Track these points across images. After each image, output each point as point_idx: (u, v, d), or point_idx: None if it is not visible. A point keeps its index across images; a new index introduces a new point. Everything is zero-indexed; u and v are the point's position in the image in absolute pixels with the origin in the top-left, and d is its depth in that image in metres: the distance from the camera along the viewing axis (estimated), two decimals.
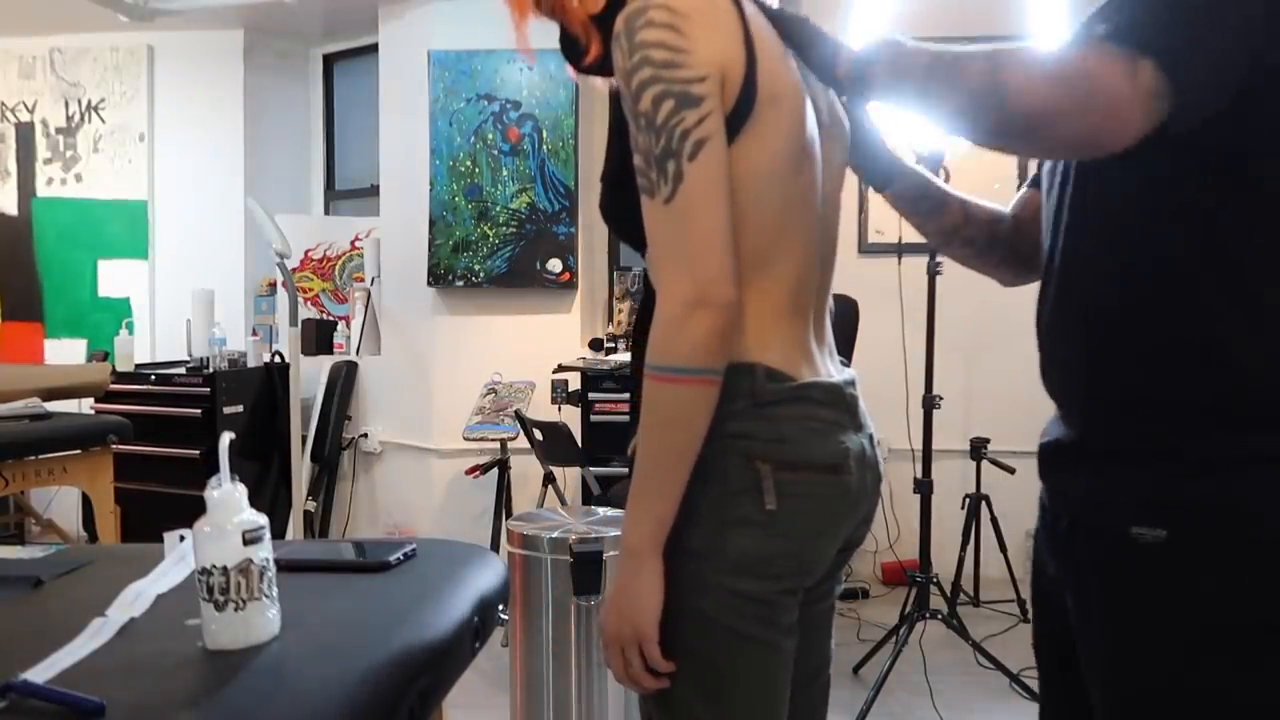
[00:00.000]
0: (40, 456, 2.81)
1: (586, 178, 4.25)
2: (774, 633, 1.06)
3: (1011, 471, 3.65)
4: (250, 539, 1.02)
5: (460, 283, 4.33)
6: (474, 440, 3.92)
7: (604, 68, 1.10)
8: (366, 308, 4.63)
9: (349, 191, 5.24)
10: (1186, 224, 0.98)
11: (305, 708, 0.91)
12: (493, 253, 4.30)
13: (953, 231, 1.32)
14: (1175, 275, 0.99)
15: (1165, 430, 1.00)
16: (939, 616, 3.19)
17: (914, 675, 3.02)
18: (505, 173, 4.28)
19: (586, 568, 2.31)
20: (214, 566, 1.01)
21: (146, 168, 4.98)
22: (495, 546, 3.64)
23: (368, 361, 4.71)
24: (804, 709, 1.19)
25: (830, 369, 1.15)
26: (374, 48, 4.73)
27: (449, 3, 4.33)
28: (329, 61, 5.23)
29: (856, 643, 3.42)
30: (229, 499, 1.03)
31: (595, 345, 4.29)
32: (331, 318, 4.81)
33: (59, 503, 4.58)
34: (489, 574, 1.38)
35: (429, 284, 4.36)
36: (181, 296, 4.63)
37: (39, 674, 0.95)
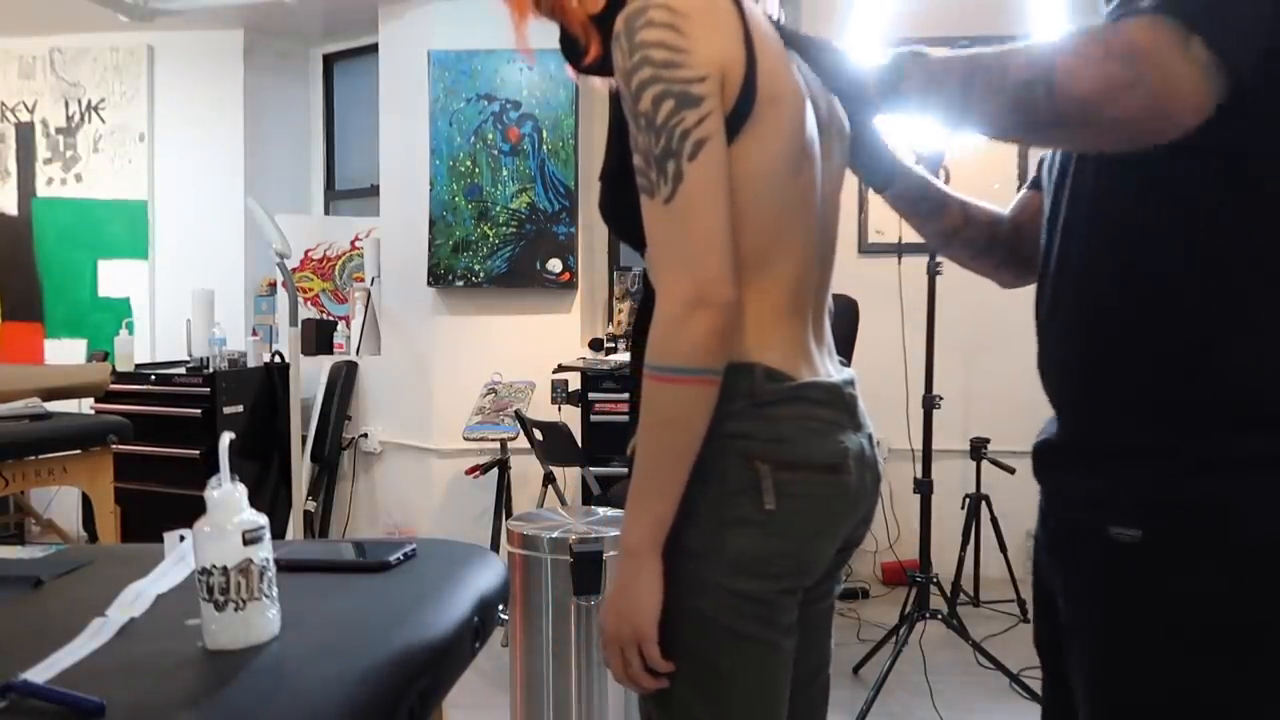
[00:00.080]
0: (40, 456, 2.81)
1: (586, 178, 4.25)
2: (773, 632, 1.06)
3: (1011, 471, 3.65)
4: (250, 539, 1.02)
5: (460, 283, 4.33)
6: (474, 440, 3.92)
7: (603, 68, 1.10)
8: (366, 308, 4.63)
9: (349, 191, 5.24)
10: (1185, 224, 0.98)
11: (305, 708, 0.91)
12: (493, 253, 4.30)
13: (952, 233, 1.32)
14: (1173, 275, 0.98)
15: (1159, 431, 1.00)
16: (939, 616, 3.19)
17: (914, 675, 3.02)
18: (505, 173, 4.28)
19: (586, 568, 2.31)
20: (214, 566, 1.01)
21: (146, 168, 4.98)
22: (495, 546, 3.64)
23: (368, 361, 4.71)
24: (803, 709, 1.19)
25: (829, 369, 1.15)
26: (374, 48, 4.74)
27: (449, 3, 4.33)
28: (329, 61, 5.23)
29: (856, 643, 3.42)
30: (229, 499, 1.03)
31: (595, 345, 4.29)
32: (331, 318, 4.81)
33: (59, 503, 4.58)
34: (489, 574, 1.38)
35: (429, 284, 4.36)
36: (181, 296, 4.63)
37: (39, 674, 0.95)
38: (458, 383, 4.27)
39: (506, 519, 3.45)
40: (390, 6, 4.55)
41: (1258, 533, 0.95)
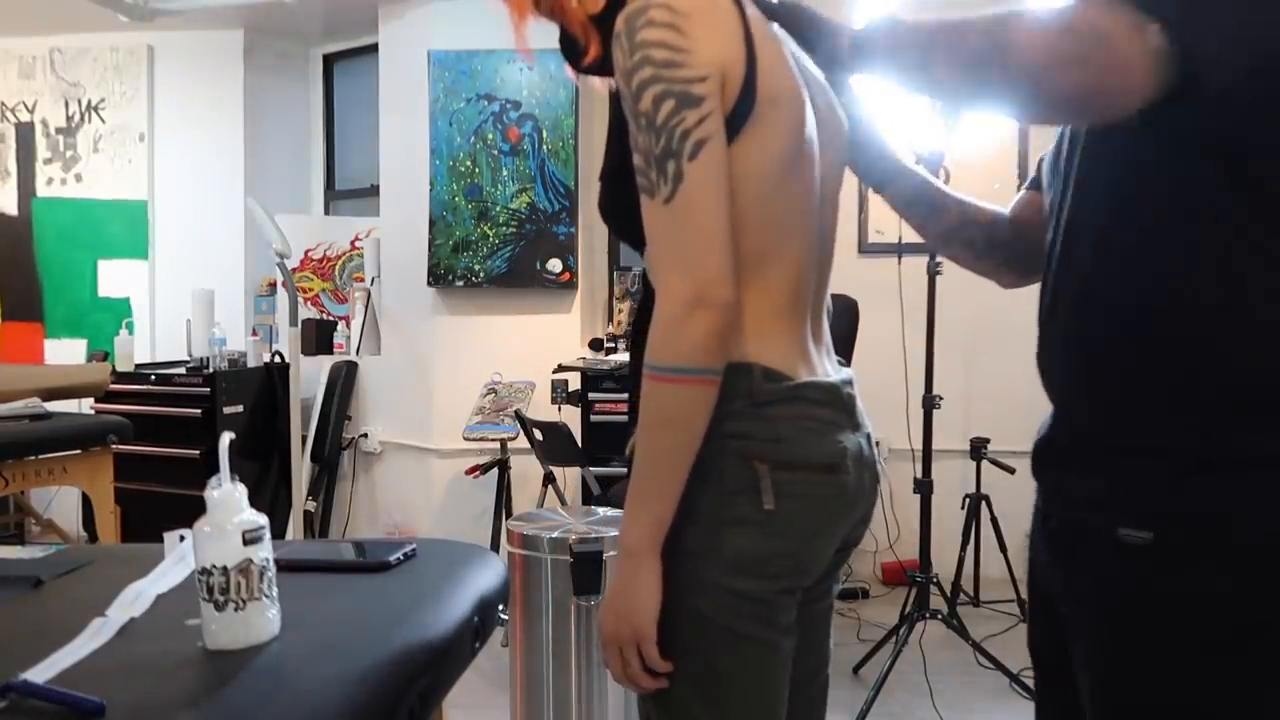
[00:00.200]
0: (40, 456, 2.81)
1: (586, 178, 4.25)
2: (772, 632, 1.06)
3: (1011, 471, 3.65)
4: (250, 539, 1.02)
5: (460, 283, 4.33)
6: (474, 440, 3.92)
7: (603, 68, 1.10)
8: (366, 308, 4.64)
9: (349, 191, 5.24)
10: (1186, 224, 0.98)
11: (305, 708, 0.92)
12: (493, 253, 4.30)
13: (952, 233, 1.33)
14: (1173, 275, 0.98)
15: (1158, 430, 0.99)
16: (939, 616, 3.19)
17: (914, 675, 3.02)
18: (505, 173, 4.28)
19: (586, 568, 2.31)
20: (214, 566, 1.01)
21: (146, 168, 4.98)
22: (495, 546, 3.64)
23: (368, 361, 4.71)
24: (802, 708, 1.19)
25: (827, 368, 1.15)
26: (374, 48, 4.74)
27: (449, 3, 4.33)
28: (329, 61, 5.23)
29: (856, 643, 3.42)
30: (229, 499, 1.03)
31: (595, 345, 4.30)
32: (331, 318, 4.81)
33: (59, 503, 4.58)
34: (489, 574, 1.38)
35: (429, 284, 4.36)
36: (181, 296, 4.63)
37: (39, 674, 0.96)
38: (458, 383, 4.27)
39: (506, 519, 3.45)
40: (390, 6, 4.56)
41: (1263, 534, 0.95)
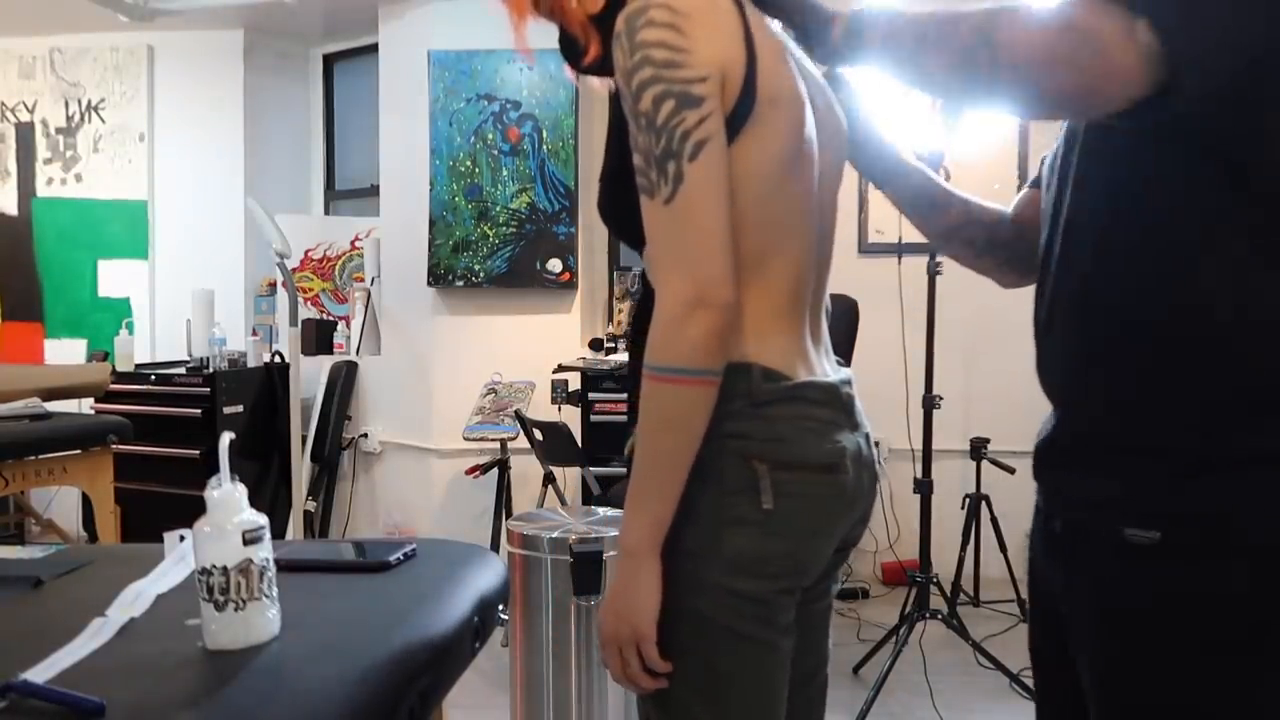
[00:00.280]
0: (40, 456, 2.81)
1: (586, 178, 4.25)
2: (771, 632, 1.06)
3: (1011, 471, 3.65)
4: (250, 539, 1.02)
5: (460, 283, 4.33)
6: (474, 440, 3.92)
7: (603, 68, 1.10)
8: (366, 308, 4.64)
9: (349, 191, 5.24)
10: (1187, 224, 0.98)
11: (305, 708, 0.92)
12: (493, 253, 4.30)
13: (953, 231, 1.32)
14: (1175, 275, 0.98)
15: (1161, 429, 0.99)
16: (939, 616, 3.19)
17: (914, 675, 3.02)
18: (505, 173, 4.28)
19: (586, 568, 2.31)
20: (214, 566, 1.01)
21: (146, 168, 4.98)
22: (495, 546, 3.64)
23: (368, 361, 4.71)
24: (801, 708, 1.19)
25: (826, 368, 1.15)
26: (374, 48, 4.74)
27: (449, 3, 4.33)
28: (329, 61, 5.23)
29: (856, 643, 3.42)
30: (229, 499, 1.03)
31: (595, 345, 4.30)
32: (331, 318, 4.81)
33: (59, 503, 4.58)
34: (489, 574, 1.38)
35: (429, 284, 4.36)
36: (181, 296, 4.63)
37: (39, 674, 0.96)
38: (458, 383, 4.27)
39: (506, 519, 3.45)
40: (390, 6, 4.56)
41: (1265, 534, 0.94)
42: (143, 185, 4.98)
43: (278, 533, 2.05)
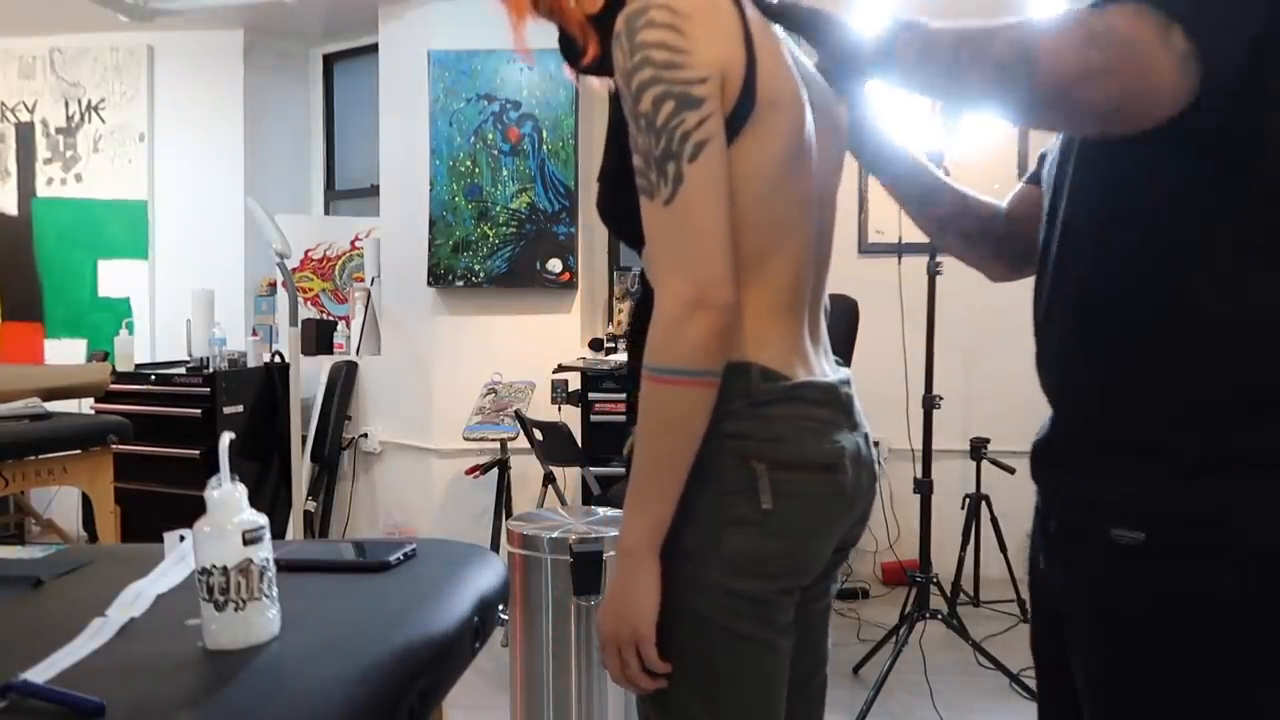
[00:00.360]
0: (40, 456, 2.81)
1: (586, 178, 4.25)
2: (771, 632, 1.06)
3: (1011, 471, 3.65)
4: (250, 539, 1.03)
5: (460, 283, 4.33)
6: (474, 440, 3.92)
7: (601, 68, 1.10)
8: (366, 308, 4.64)
9: (349, 191, 5.24)
10: (1185, 224, 0.97)
11: (305, 708, 0.92)
12: (493, 253, 4.30)
13: (947, 221, 1.32)
14: (1174, 275, 0.98)
15: (1157, 430, 0.99)
16: (939, 616, 3.19)
17: (914, 675, 3.02)
18: (505, 173, 4.28)
19: (586, 568, 2.31)
20: (214, 566, 1.01)
21: (146, 168, 4.98)
22: (495, 546, 3.64)
23: (368, 361, 4.72)
24: (800, 708, 1.19)
25: (825, 368, 1.16)
26: (374, 48, 4.74)
27: (449, 3, 4.33)
28: (329, 61, 5.23)
29: (856, 643, 3.42)
30: (229, 499, 1.03)
31: (595, 345, 4.30)
32: (331, 318, 4.82)
33: (59, 503, 4.58)
34: (489, 574, 1.38)
35: (429, 284, 4.36)
36: (181, 296, 4.63)
37: (39, 674, 0.96)
38: (458, 383, 4.27)
39: (506, 519, 3.45)
40: (390, 6, 4.56)
41: (1262, 534, 0.94)
42: (143, 185, 4.98)
43: (278, 533, 2.05)
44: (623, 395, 3.74)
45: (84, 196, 5.02)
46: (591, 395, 3.85)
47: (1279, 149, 0.94)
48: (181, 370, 4.37)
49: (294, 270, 4.63)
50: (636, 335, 1.09)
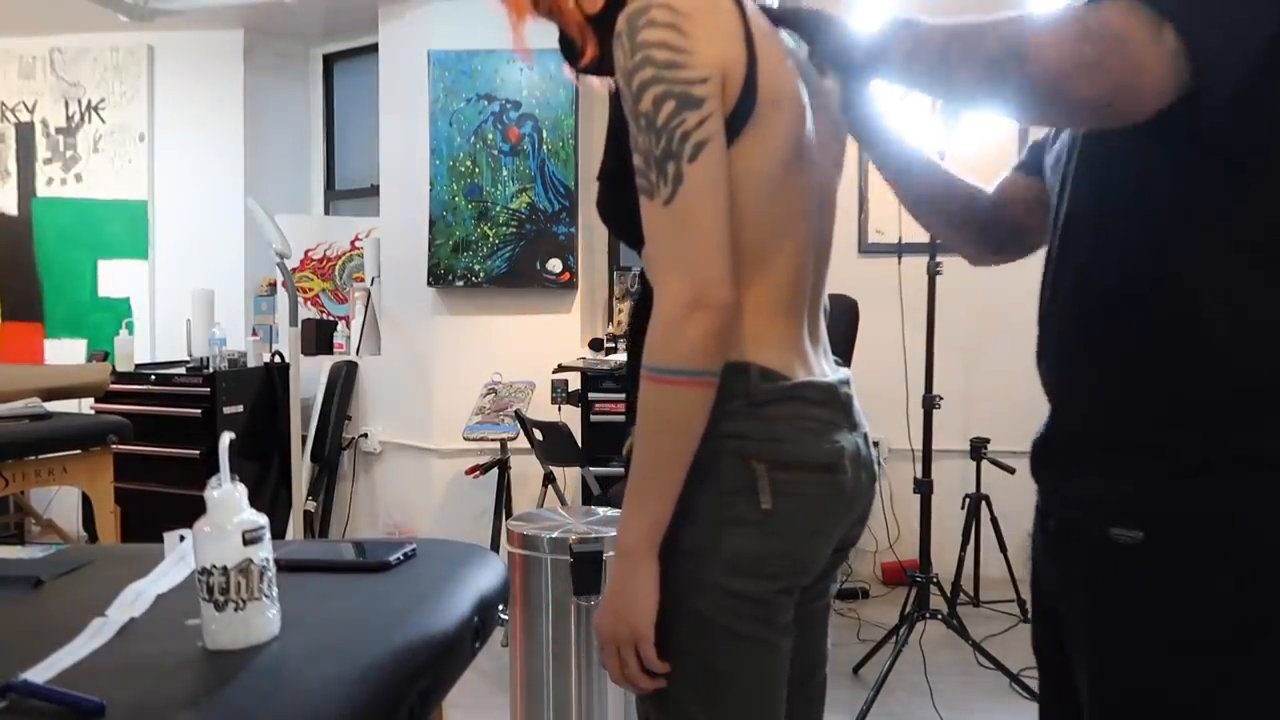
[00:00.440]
0: (40, 456, 2.81)
1: (586, 178, 4.25)
2: (771, 632, 1.06)
3: (1011, 471, 3.65)
4: (250, 539, 1.03)
5: (460, 283, 4.33)
6: (474, 440, 3.92)
7: (601, 68, 1.10)
8: (366, 308, 4.64)
9: (349, 191, 5.24)
10: (1185, 219, 0.97)
11: (305, 708, 0.92)
12: (493, 253, 4.30)
13: (931, 200, 1.31)
14: (1172, 271, 0.98)
15: (1154, 429, 0.99)
16: (939, 616, 3.19)
17: (914, 675, 3.02)
18: (505, 173, 4.28)
19: (586, 568, 2.31)
20: (214, 566, 1.01)
21: (146, 168, 4.98)
22: (495, 546, 3.64)
23: (368, 361, 4.72)
24: (800, 707, 1.19)
25: (824, 368, 1.16)
26: (374, 48, 4.74)
27: (449, 3, 4.33)
28: (329, 61, 5.23)
29: (856, 643, 3.42)
30: (229, 499, 1.03)
31: (595, 345, 4.30)
32: (331, 318, 4.82)
33: (59, 503, 4.58)
34: (489, 574, 1.38)
35: (429, 284, 4.36)
36: (181, 296, 4.63)
37: (39, 674, 0.96)
38: (458, 383, 4.27)
39: (506, 519, 3.45)
40: (390, 6, 4.56)
41: (1262, 534, 0.94)
42: (143, 185, 4.98)
43: (278, 533, 2.05)
44: (622, 395, 3.74)
45: (84, 196, 5.02)
46: (591, 395, 3.85)
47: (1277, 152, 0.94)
48: (181, 370, 4.37)
49: (294, 270, 4.63)
50: (636, 335, 1.09)
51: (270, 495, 4.47)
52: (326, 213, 5.27)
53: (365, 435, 4.74)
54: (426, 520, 4.47)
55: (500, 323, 4.39)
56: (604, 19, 1.09)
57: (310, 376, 4.50)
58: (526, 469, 3.98)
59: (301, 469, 3.99)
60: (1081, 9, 0.91)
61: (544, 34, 1.17)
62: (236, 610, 1.02)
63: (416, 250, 4.37)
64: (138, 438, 3.13)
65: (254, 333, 4.65)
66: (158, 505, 3.83)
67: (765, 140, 1.04)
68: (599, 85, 1.18)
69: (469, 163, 4.30)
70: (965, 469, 3.92)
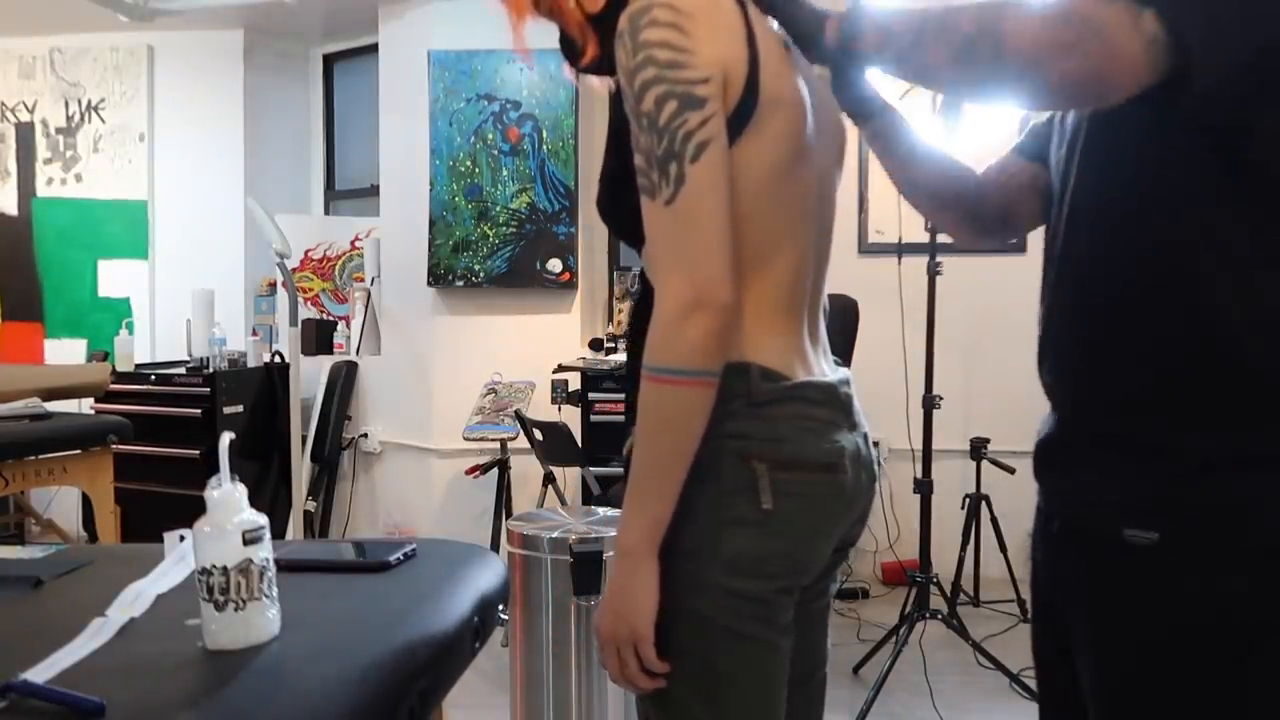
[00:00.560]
0: (40, 456, 2.81)
1: (586, 178, 4.25)
2: (771, 632, 1.06)
3: (1011, 471, 3.65)
4: (250, 539, 1.03)
5: (460, 283, 4.33)
6: (474, 440, 3.92)
7: (601, 68, 1.10)
8: (366, 308, 4.64)
9: (349, 191, 5.24)
10: (1187, 215, 0.97)
11: (305, 708, 0.92)
12: (493, 253, 4.30)
13: (920, 182, 1.31)
14: (1175, 269, 0.98)
15: (1161, 428, 0.99)
16: (939, 616, 3.19)
17: (914, 675, 3.02)
18: (505, 173, 4.28)
19: (586, 568, 2.31)
20: (214, 566, 1.01)
21: (146, 168, 4.98)
22: (495, 546, 3.64)
23: (368, 361, 4.72)
24: (800, 707, 1.19)
25: (824, 368, 1.16)
26: (374, 48, 4.74)
27: (449, 3, 4.33)
28: (329, 61, 5.23)
29: (856, 643, 3.42)
30: (229, 499, 1.03)
31: (595, 345, 4.30)
32: (331, 318, 4.81)
33: (59, 503, 4.58)
34: (489, 574, 1.38)
35: (429, 284, 4.36)
36: (181, 296, 4.63)
37: (39, 674, 0.96)
38: (458, 383, 4.27)
39: (506, 519, 3.45)
40: (390, 6, 4.56)
41: (1274, 535, 0.94)
42: (143, 185, 4.98)
43: (278, 533, 2.05)
44: (622, 395, 3.74)
45: (84, 196, 5.02)
46: (591, 395, 3.85)
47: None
48: (181, 370, 4.37)
49: (294, 270, 4.63)
50: (636, 335, 1.09)
51: (270, 495, 4.47)
52: (326, 213, 5.27)
53: (365, 435, 4.74)
54: (426, 520, 4.47)
55: (500, 323, 4.39)
56: (605, 19, 1.09)
57: (310, 376, 4.50)
58: (526, 469, 3.98)
59: (301, 469, 3.99)
60: None
61: (544, 34, 1.17)
62: (236, 610, 1.02)
63: (416, 250, 4.37)
64: (138, 438, 3.14)
65: (254, 333, 4.65)
66: (158, 505, 3.83)
67: (766, 140, 1.04)
68: (599, 85, 1.18)
69: (469, 163, 4.30)
70: (965, 469, 3.92)
